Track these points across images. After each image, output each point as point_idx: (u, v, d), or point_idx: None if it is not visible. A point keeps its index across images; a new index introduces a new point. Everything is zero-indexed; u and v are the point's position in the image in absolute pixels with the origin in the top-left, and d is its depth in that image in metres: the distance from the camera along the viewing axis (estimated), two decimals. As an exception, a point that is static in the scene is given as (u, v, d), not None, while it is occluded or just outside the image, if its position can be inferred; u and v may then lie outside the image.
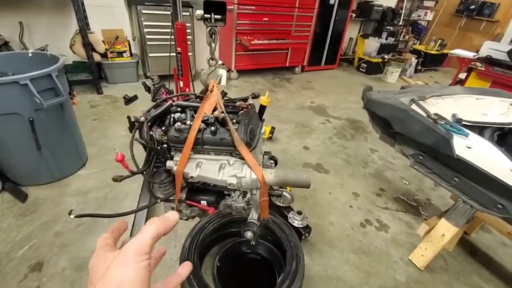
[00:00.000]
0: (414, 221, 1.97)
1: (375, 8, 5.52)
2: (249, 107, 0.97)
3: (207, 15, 0.75)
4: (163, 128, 0.90)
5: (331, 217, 1.89)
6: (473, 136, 1.26)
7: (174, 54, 1.97)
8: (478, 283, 1.58)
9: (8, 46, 2.90)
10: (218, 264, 1.44)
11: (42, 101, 1.57)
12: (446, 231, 1.50)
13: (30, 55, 1.92)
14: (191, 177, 0.87)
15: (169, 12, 3.39)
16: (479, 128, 1.44)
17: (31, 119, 1.62)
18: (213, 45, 0.82)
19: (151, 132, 0.88)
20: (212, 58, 0.84)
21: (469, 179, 1.23)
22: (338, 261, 1.59)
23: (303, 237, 1.60)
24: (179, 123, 0.87)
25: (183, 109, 0.94)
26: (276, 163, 1.27)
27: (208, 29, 0.80)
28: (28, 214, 1.67)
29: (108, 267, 0.31)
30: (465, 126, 1.35)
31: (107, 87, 3.52)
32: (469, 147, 1.19)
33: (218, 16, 0.77)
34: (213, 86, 0.86)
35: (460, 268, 1.65)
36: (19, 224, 1.61)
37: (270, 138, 2.75)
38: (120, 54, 3.52)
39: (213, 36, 0.81)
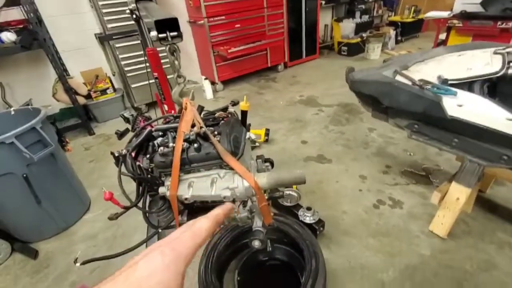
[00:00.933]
0: (427, 190, 1.93)
1: (342, -10, 5.54)
2: (230, 115, 0.96)
3: (162, 35, 0.74)
4: (148, 156, 0.89)
5: (342, 206, 1.86)
6: (461, 93, 1.23)
7: (153, 80, 1.97)
8: (504, 238, 1.53)
9: (-8, 108, 2.92)
10: (238, 278, 1.41)
11: (32, 155, 1.56)
12: (459, 194, 1.46)
13: (12, 113, 1.93)
14: (186, 199, 0.85)
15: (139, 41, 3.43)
16: (468, 84, 1.42)
17: (25, 175, 1.62)
18: (176, 63, 0.81)
19: (138, 162, 0.87)
20: (179, 76, 0.82)
21: (469, 137, 1.20)
22: (358, 248, 1.56)
23: (317, 232, 1.57)
24: (161, 148, 0.86)
25: (164, 132, 0.93)
26: (272, 165, 1.24)
27: (167, 48, 0.79)
28: (41, 270, 1.65)
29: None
30: (452, 85, 1.33)
31: (98, 127, 3.53)
32: (460, 105, 1.16)
33: (174, 33, 0.76)
34: (186, 103, 0.84)
35: (483, 227, 1.61)
36: (34, 282, 1.59)
37: (266, 141, 2.73)
38: (103, 92, 3.54)
39: (174, 54, 0.80)
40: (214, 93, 4.27)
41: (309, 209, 1.60)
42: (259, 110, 3.50)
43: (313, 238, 1.36)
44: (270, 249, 1.50)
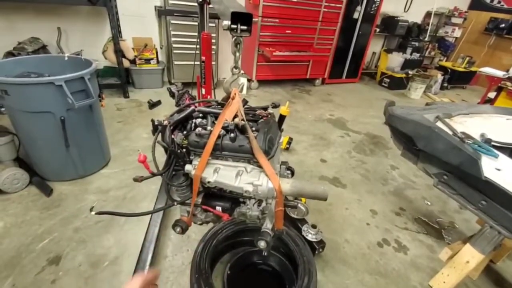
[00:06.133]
0: (436, 244, 1.86)
1: (400, 23, 5.45)
2: (269, 116, 0.98)
3: (233, 26, 0.78)
4: (185, 132, 0.93)
5: (346, 234, 1.84)
6: (503, 157, 1.19)
7: (198, 62, 2.03)
8: (506, 317, 1.46)
9: (46, 49, 3.11)
10: (229, 272, 1.42)
11: (74, 102, 1.66)
12: (471, 257, 1.41)
13: (66, 58, 2.06)
14: (208, 182, 0.88)
15: (196, 23, 3.53)
16: (510, 150, 1.37)
17: (62, 118, 1.72)
18: (237, 54, 0.85)
19: (172, 136, 0.91)
20: (236, 67, 0.86)
21: (498, 203, 1.16)
22: (352, 280, 1.53)
23: (316, 252, 1.56)
24: (200, 128, 0.90)
25: (205, 115, 0.97)
26: (292, 173, 1.26)
27: (233, 39, 0.83)
28: (51, 208, 1.75)
29: None
30: (494, 147, 1.29)
31: (133, 92, 3.67)
32: (499, 169, 1.12)
33: (244, 27, 0.80)
34: (235, 93, 0.87)
35: (485, 299, 1.54)
36: (42, 217, 1.68)
37: (287, 149, 2.74)
38: (147, 61, 3.68)
39: (238, 46, 0.84)
40: (247, 90, 4.33)
41: (314, 226, 1.60)
42: (286, 118, 3.51)
43: (311, 256, 1.36)
44: (266, 253, 1.52)
